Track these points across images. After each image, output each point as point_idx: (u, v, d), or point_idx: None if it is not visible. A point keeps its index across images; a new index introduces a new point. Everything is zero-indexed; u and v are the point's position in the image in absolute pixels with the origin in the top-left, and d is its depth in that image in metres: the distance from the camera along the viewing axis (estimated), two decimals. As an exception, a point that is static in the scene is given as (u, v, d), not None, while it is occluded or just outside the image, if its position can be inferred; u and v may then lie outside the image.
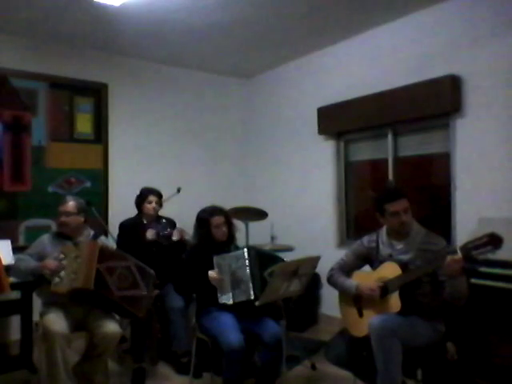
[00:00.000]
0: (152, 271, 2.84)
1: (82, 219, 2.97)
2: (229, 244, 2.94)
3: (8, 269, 2.81)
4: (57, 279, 2.65)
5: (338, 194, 4.43)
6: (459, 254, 2.19)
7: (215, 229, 2.89)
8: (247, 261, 2.70)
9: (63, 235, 2.94)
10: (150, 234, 3.50)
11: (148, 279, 2.79)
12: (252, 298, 2.64)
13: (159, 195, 3.67)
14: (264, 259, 2.78)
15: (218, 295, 2.68)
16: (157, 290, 2.98)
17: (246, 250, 2.75)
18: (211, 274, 2.71)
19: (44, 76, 4.06)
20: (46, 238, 2.97)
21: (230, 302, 2.67)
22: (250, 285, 2.65)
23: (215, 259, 2.73)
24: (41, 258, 2.81)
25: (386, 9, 3.60)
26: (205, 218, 2.91)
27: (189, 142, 4.98)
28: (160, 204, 3.67)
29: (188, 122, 4.98)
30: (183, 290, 2.93)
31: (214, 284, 2.70)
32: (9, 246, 3.45)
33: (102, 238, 3.08)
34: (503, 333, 2.76)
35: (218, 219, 2.89)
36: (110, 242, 3.23)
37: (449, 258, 2.21)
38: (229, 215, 3.02)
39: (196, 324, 2.88)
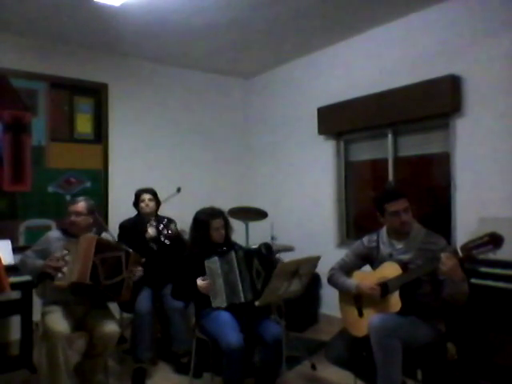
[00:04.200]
0: (130, 250, 2.87)
1: (91, 220, 2.98)
2: (224, 245, 2.93)
3: (8, 269, 2.81)
4: (60, 275, 2.67)
5: (338, 194, 4.43)
6: (458, 253, 2.19)
7: (214, 231, 2.88)
8: (235, 264, 2.71)
9: (70, 234, 2.94)
10: (152, 231, 3.51)
11: (127, 259, 2.81)
12: (243, 300, 2.65)
13: (151, 192, 3.67)
14: (250, 257, 2.77)
15: (211, 300, 2.67)
16: (140, 267, 2.94)
17: (233, 252, 2.75)
18: (199, 282, 2.71)
19: (44, 76, 4.06)
20: (51, 236, 2.97)
21: (224, 305, 2.66)
22: (240, 288, 2.67)
23: (206, 263, 2.71)
24: (46, 255, 2.81)
25: (385, 9, 3.60)
26: (204, 220, 2.89)
27: (189, 141, 4.98)
28: (155, 201, 3.67)
29: (188, 122, 4.98)
30: (180, 297, 2.92)
31: (203, 292, 2.70)
32: (9, 246, 3.46)
33: (103, 235, 3.08)
34: (503, 333, 2.76)
35: (218, 222, 2.88)
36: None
37: (442, 255, 2.21)
38: (227, 217, 3.01)
39: (195, 324, 2.88)
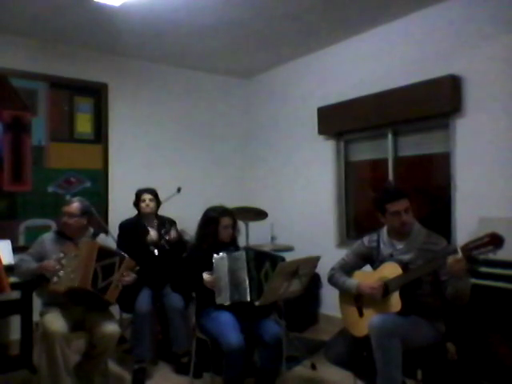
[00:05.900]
0: (126, 256, 2.83)
1: (85, 222, 2.95)
2: (230, 245, 2.94)
3: (8, 269, 2.81)
4: (55, 279, 2.65)
5: (338, 194, 4.43)
6: (460, 254, 2.19)
7: (223, 229, 2.90)
8: (245, 263, 2.72)
9: (64, 235, 2.93)
10: (153, 234, 3.50)
11: (121, 263, 2.78)
12: (248, 300, 2.66)
13: (152, 192, 3.66)
14: (261, 259, 2.78)
15: (215, 296, 2.68)
16: (133, 273, 2.88)
17: (244, 252, 2.75)
18: (206, 276, 2.72)
19: (44, 76, 4.06)
20: (46, 238, 2.96)
21: (227, 302, 2.67)
22: (247, 287, 2.67)
23: (215, 259, 2.72)
24: (41, 257, 2.81)
25: (385, 9, 3.60)
26: (215, 217, 2.91)
27: (189, 141, 4.98)
28: (156, 201, 3.67)
29: (188, 122, 4.98)
30: (180, 288, 2.93)
31: (208, 287, 2.70)
32: (9, 246, 3.45)
33: (102, 237, 3.08)
34: (503, 333, 2.76)
35: (227, 220, 2.91)
36: (110, 241, 3.23)
37: (450, 258, 2.21)
38: (235, 218, 3.03)
39: (196, 324, 2.88)
